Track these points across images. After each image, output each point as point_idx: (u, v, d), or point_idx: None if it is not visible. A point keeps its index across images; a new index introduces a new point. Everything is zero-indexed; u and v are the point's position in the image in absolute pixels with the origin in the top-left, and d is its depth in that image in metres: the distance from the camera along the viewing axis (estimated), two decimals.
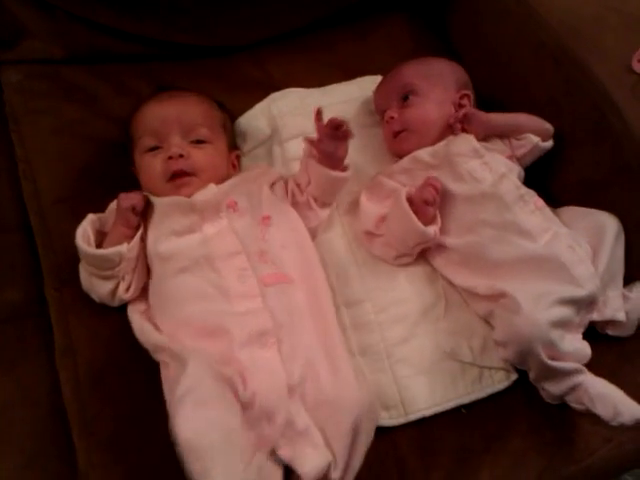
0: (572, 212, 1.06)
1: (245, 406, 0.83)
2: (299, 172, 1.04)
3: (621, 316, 0.97)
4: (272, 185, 1.06)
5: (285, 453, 0.82)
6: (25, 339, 1.01)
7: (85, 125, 1.18)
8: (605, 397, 0.86)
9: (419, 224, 0.98)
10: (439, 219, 1.01)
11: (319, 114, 0.96)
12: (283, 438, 0.83)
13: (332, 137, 0.97)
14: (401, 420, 0.94)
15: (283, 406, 0.83)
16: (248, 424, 0.82)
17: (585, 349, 0.93)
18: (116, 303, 0.99)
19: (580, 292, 0.93)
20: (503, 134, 1.10)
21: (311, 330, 0.92)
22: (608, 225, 1.02)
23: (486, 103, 1.18)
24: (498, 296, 0.95)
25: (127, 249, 0.95)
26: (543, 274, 0.95)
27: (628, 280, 1.02)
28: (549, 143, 1.10)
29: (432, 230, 1.00)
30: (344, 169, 1.02)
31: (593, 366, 0.92)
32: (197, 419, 0.77)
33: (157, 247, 0.97)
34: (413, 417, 0.94)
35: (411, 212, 0.99)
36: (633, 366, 0.99)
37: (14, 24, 1.19)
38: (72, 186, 1.10)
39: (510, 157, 1.09)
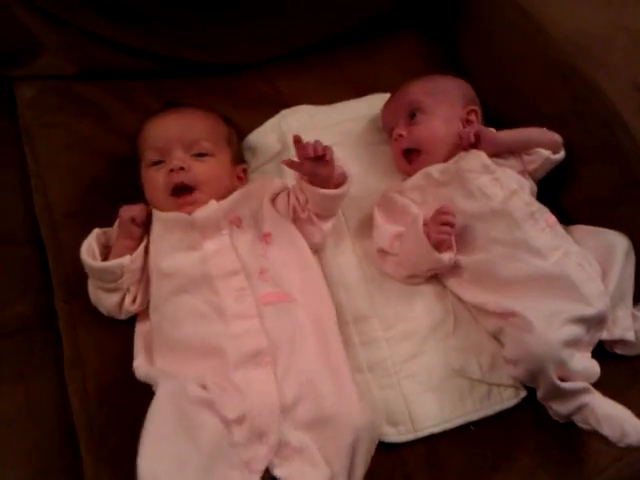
0: (582, 231, 1.06)
1: (234, 426, 0.83)
2: (297, 191, 1.04)
3: (630, 335, 0.97)
4: (274, 198, 1.06)
5: (281, 473, 0.82)
6: (34, 351, 1.01)
7: (96, 140, 1.20)
8: (612, 418, 0.85)
9: (435, 252, 0.98)
10: (454, 246, 1.01)
11: (297, 139, 0.96)
12: (278, 457, 0.83)
13: (311, 159, 0.96)
14: (409, 436, 0.94)
15: (275, 426, 0.83)
16: (239, 443, 0.82)
17: (594, 367, 0.92)
18: (123, 316, 0.99)
19: (590, 311, 0.92)
20: (513, 150, 1.10)
21: (313, 349, 0.92)
22: (618, 244, 1.01)
23: (494, 119, 1.18)
24: (508, 314, 0.94)
25: (129, 261, 0.97)
26: (553, 292, 0.94)
27: (637, 299, 1.02)
28: (560, 155, 1.10)
29: (447, 257, 0.99)
30: (338, 185, 1.01)
31: (601, 385, 0.91)
32: (158, 457, 0.78)
33: (158, 262, 0.98)
34: (421, 434, 0.94)
35: (427, 241, 0.98)
36: None
37: (29, 41, 1.21)
38: (82, 200, 1.11)
39: (522, 172, 1.09)
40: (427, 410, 0.95)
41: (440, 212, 1.00)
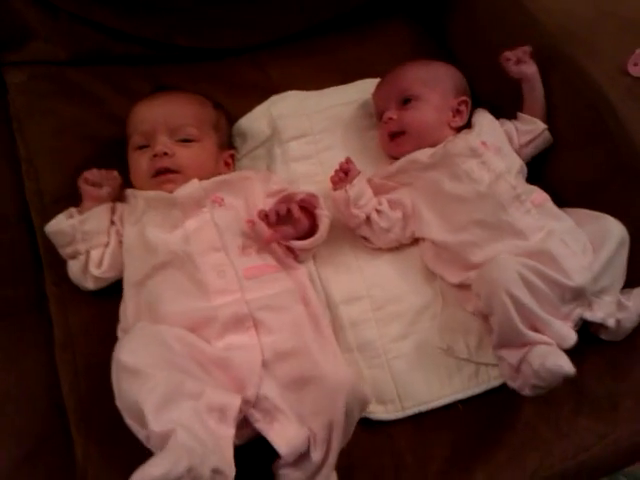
0: (582, 214, 1.05)
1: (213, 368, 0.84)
2: None
3: (611, 322, 0.96)
4: (270, 195, 1.06)
5: (261, 426, 0.82)
6: (25, 334, 1.02)
7: (87, 126, 1.20)
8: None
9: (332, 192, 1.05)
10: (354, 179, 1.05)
11: (263, 215, 0.96)
12: (258, 411, 0.83)
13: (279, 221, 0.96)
14: (398, 414, 0.94)
15: (255, 380, 0.84)
16: (221, 390, 0.82)
17: (569, 334, 0.90)
18: (90, 283, 1.00)
19: (568, 282, 0.92)
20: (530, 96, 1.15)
21: (297, 309, 0.94)
22: (614, 231, 1.00)
23: (483, 105, 1.19)
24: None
25: (78, 221, 0.98)
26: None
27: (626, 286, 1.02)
28: (550, 136, 1.13)
29: (338, 194, 1.04)
30: (310, 233, 1.02)
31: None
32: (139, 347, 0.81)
33: (144, 235, 0.98)
34: (410, 412, 0.94)
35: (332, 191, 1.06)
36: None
37: (19, 26, 1.21)
38: (74, 185, 1.10)
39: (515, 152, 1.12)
40: (415, 389, 0.96)
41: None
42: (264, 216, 0.96)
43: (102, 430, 0.91)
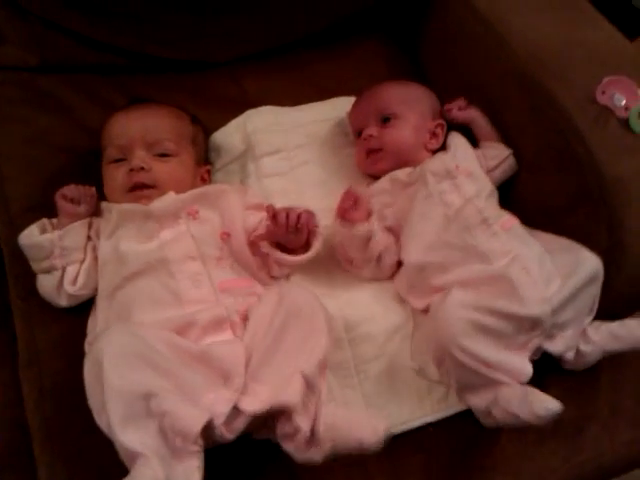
0: (557, 242, 1.05)
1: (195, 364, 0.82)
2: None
3: (570, 356, 0.97)
4: (247, 208, 1.05)
5: (246, 402, 0.80)
6: None
7: (57, 135, 1.17)
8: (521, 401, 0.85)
9: (338, 225, 1.04)
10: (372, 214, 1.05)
11: (271, 210, 0.97)
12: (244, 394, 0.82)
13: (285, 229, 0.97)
14: None
15: (241, 369, 0.82)
16: (205, 385, 0.81)
17: (524, 368, 0.91)
18: (63, 300, 0.98)
19: (523, 310, 0.91)
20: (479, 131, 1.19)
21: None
22: (586, 264, 0.99)
23: (454, 128, 1.20)
24: None
25: (58, 236, 0.97)
26: (488, 289, 0.94)
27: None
28: (515, 162, 1.16)
29: (362, 228, 1.02)
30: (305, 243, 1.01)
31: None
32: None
33: (116, 247, 0.96)
34: None
35: (338, 224, 1.04)
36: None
37: None
38: (42, 195, 1.08)
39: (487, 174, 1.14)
40: (387, 411, 0.96)
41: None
42: (272, 214, 0.96)
43: (67, 450, 0.89)
